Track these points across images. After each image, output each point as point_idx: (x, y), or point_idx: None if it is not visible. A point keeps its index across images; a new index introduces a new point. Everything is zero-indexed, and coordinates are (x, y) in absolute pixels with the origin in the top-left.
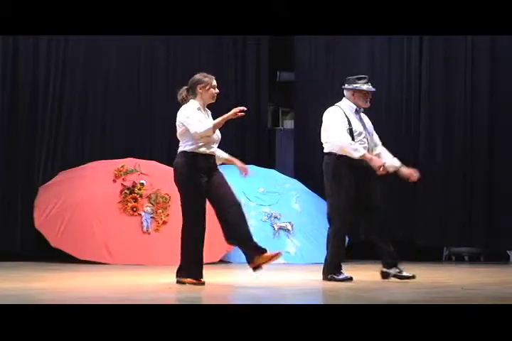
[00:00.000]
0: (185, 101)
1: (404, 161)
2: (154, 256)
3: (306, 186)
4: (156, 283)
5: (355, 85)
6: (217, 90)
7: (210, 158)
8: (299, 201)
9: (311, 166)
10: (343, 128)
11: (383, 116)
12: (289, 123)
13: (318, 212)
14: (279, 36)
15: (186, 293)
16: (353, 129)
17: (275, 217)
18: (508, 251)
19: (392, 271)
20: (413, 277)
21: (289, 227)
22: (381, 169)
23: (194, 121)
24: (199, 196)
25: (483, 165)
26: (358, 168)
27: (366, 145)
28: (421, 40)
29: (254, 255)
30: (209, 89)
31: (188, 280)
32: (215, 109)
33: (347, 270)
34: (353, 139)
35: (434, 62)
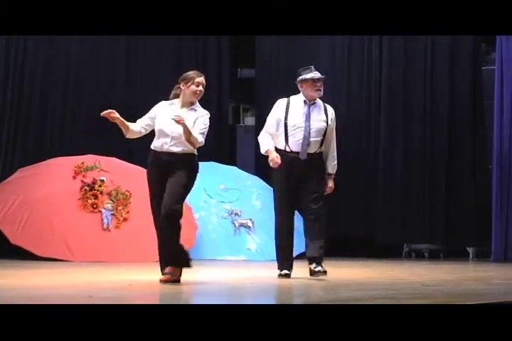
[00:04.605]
0: (175, 98)
1: (365, 160)
2: (115, 253)
3: (267, 183)
4: (116, 280)
5: (300, 77)
6: (200, 88)
7: (161, 155)
8: (260, 198)
9: None
10: (268, 125)
11: (343, 114)
12: (250, 120)
13: None
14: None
15: (145, 291)
16: (288, 123)
17: (236, 214)
18: (468, 248)
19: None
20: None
21: (250, 224)
22: (271, 164)
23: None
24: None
25: (442, 164)
26: (292, 164)
27: (299, 138)
28: (381, 39)
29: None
30: (191, 85)
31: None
32: None
33: (302, 267)
34: (286, 132)
35: (394, 60)
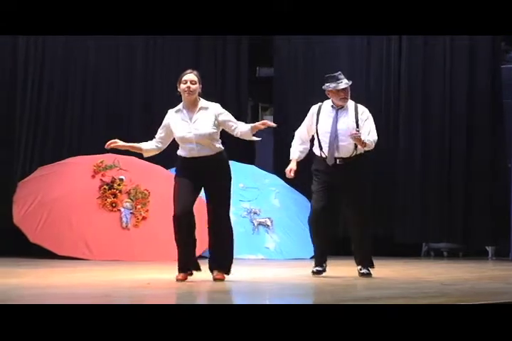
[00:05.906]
0: None
1: (383, 160)
2: (133, 251)
3: (286, 182)
4: (134, 279)
5: (325, 85)
6: (188, 84)
7: (192, 160)
8: (279, 197)
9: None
10: (300, 130)
11: None
12: (268, 119)
13: (298, 207)
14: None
15: (164, 290)
16: (318, 129)
17: (255, 213)
18: (487, 247)
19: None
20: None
21: (269, 223)
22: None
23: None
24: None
25: (461, 163)
26: (328, 170)
27: (326, 143)
28: (400, 39)
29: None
30: (180, 85)
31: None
32: None
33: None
34: (318, 138)
35: (412, 60)
